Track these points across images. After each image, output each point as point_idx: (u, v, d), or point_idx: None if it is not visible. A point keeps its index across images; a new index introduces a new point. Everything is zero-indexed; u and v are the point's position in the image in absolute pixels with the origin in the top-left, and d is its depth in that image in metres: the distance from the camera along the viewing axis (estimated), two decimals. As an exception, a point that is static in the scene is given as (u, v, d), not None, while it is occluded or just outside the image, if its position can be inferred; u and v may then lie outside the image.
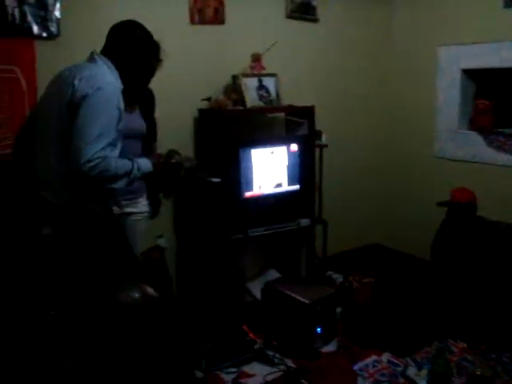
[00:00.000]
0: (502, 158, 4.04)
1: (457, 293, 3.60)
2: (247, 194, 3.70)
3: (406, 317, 3.55)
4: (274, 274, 4.13)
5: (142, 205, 3.09)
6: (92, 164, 2.17)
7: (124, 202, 2.96)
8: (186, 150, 3.76)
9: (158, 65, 2.80)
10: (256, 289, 3.91)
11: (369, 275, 4.41)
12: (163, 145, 3.64)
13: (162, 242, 3.78)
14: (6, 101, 3.17)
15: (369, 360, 3.22)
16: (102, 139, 2.22)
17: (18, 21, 3.12)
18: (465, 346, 3.38)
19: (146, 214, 3.13)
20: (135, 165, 2.39)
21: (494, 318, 3.43)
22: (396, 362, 3.21)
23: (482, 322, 3.43)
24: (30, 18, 3.16)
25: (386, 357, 3.26)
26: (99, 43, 3.35)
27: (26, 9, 3.14)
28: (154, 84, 3.52)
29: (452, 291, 3.62)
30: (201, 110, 3.75)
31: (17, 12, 3.11)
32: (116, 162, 2.27)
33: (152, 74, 2.79)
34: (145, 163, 2.50)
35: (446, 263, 3.80)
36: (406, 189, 4.81)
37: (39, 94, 3.20)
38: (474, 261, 3.65)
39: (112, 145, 2.27)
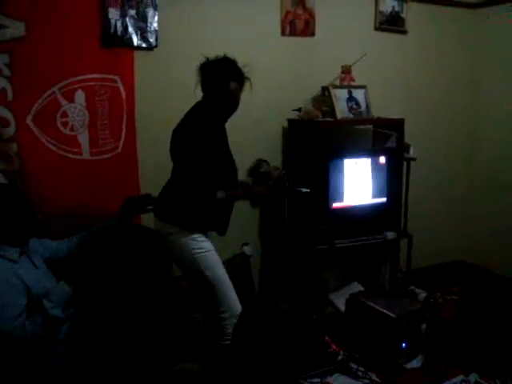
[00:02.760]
0: None
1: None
2: (335, 205, 3.70)
3: (497, 337, 3.44)
4: (356, 287, 4.09)
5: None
6: None
7: None
8: (275, 159, 3.83)
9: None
10: (338, 300, 3.90)
11: (452, 293, 4.32)
12: (252, 154, 3.73)
13: (246, 249, 3.82)
14: (107, 107, 3.31)
15: (456, 379, 3.14)
16: None
17: (119, 32, 3.27)
18: None
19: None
20: None
21: None
22: (484, 383, 3.12)
23: None
24: (130, 29, 3.30)
25: (473, 377, 3.17)
26: (194, 55, 3.51)
27: (128, 21, 3.29)
28: (246, 95, 3.63)
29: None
30: (290, 121, 3.79)
31: (119, 24, 3.26)
32: None
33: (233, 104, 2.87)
34: None
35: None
36: (496, 205, 4.63)
37: (137, 102, 3.36)
38: None
39: None
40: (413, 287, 4.28)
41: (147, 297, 2.57)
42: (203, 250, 2.87)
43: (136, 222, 3.25)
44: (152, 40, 3.38)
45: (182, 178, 2.83)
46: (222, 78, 2.76)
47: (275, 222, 3.86)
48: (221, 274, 2.93)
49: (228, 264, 3.75)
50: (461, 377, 3.17)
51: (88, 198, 3.28)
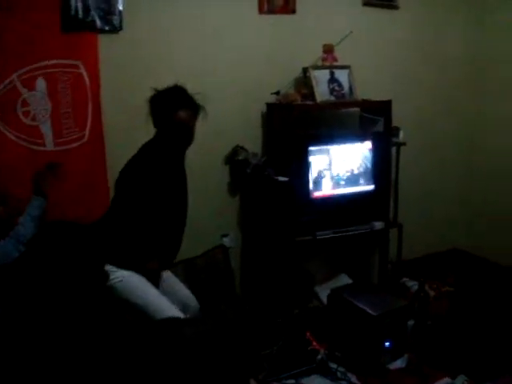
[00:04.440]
0: None
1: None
2: (316, 194, 3.50)
3: (488, 335, 3.22)
4: (344, 279, 3.91)
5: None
6: None
7: None
8: (254, 146, 3.63)
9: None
10: (324, 294, 3.70)
11: (448, 284, 4.10)
12: (230, 140, 3.54)
13: (226, 241, 3.68)
14: (70, 94, 3.14)
15: (441, 382, 2.94)
16: None
17: (81, 15, 3.08)
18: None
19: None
20: None
21: None
22: (473, 386, 2.92)
23: None
24: (93, 11, 3.10)
25: (460, 380, 2.97)
26: (162, 37, 3.30)
27: (89, 2, 3.09)
28: (222, 77, 3.44)
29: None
30: (269, 105, 3.57)
31: (80, 6, 3.07)
32: None
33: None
34: None
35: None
36: (492, 191, 4.39)
37: (103, 88, 3.17)
38: None
39: None
40: (406, 279, 4.08)
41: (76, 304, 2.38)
42: (119, 279, 2.63)
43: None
44: (116, 22, 3.18)
45: (119, 219, 2.64)
46: (170, 107, 2.58)
47: (255, 212, 3.67)
48: (148, 295, 2.67)
49: (206, 256, 3.62)
50: (446, 379, 2.98)
51: (54, 191, 3.13)
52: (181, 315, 2.62)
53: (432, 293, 3.97)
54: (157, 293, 2.70)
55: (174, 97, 2.60)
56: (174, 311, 2.64)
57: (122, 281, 2.61)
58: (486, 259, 4.34)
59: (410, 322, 3.35)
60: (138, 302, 2.63)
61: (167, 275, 2.87)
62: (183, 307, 2.80)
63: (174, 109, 2.57)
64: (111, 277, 2.56)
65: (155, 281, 2.74)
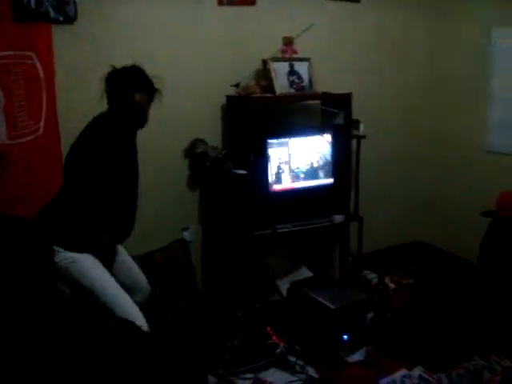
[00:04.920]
0: None
1: (505, 302, 3.27)
2: (275, 187, 3.48)
3: (446, 326, 3.25)
4: (305, 273, 3.91)
5: None
6: None
7: None
8: (214, 138, 3.60)
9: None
10: (285, 287, 3.69)
11: (409, 276, 4.12)
12: (189, 133, 3.50)
13: (186, 235, 3.65)
14: (23, 87, 3.06)
15: (397, 375, 2.95)
16: None
17: (33, 5, 2.99)
18: (510, 364, 3.06)
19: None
20: None
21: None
22: (428, 378, 2.92)
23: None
24: (46, 1, 3.02)
25: (417, 371, 2.99)
26: (118, 28, 3.24)
27: (42, -9, 3.02)
28: (181, 69, 3.39)
29: (500, 300, 3.29)
30: (228, 97, 3.54)
31: (33, -5, 2.99)
32: None
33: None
34: None
35: (494, 268, 3.47)
36: (453, 183, 4.41)
37: (57, 80, 3.10)
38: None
39: None
40: (367, 272, 4.10)
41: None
42: (71, 260, 2.54)
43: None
44: (71, 13, 3.10)
45: (69, 196, 2.55)
46: (127, 89, 2.50)
47: (215, 205, 3.64)
48: (101, 279, 2.59)
49: (166, 250, 3.58)
50: (403, 371, 3.00)
51: (8, 186, 3.06)
52: (131, 305, 2.59)
53: (392, 285, 3.99)
54: (112, 280, 2.62)
55: (130, 77, 2.52)
56: (129, 303, 2.60)
57: (73, 262, 2.53)
58: (445, 251, 4.38)
59: (370, 315, 3.37)
60: (85, 285, 2.55)
61: (122, 251, 2.82)
62: (134, 287, 2.77)
63: (130, 90, 2.49)
64: (61, 257, 2.48)
65: (111, 255, 2.70)
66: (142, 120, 2.58)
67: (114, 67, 2.54)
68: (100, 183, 2.49)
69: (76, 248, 2.54)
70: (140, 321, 2.50)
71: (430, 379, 2.91)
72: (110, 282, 2.60)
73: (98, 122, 2.60)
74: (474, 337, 3.20)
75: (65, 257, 2.51)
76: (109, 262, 2.68)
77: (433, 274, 3.88)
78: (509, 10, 3.81)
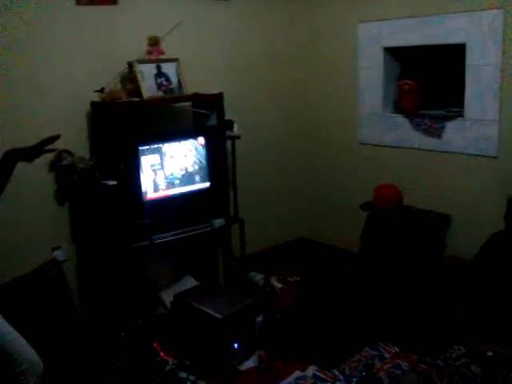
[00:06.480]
0: (428, 142, 3.73)
1: (386, 289, 3.33)
2: (150, 196, 3.30)
3: (333, 320, 3.24)
4: (189, 281, 3.75)
5: None
6: None
7: None
8: (81, 149, 3.35)
9: None
10: (170, 299, 3.52)
11: (295, 273, 4.11)
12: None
13: (58, 255, 3.36)
14: None
15: (291, 377, 2.90)
16: None
17: None
18: (397, 350, 3.12)
19: None
20: None
21: (426, 317, 3.18)
22: (323, 376, 2.91)
23: (413, 322, 3.18)
24: None
25: (311, 371, 2.96)
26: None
27: None
28: (38, 75, 3.11)
29: (381, 287, 3.35)
30: (93, 104, 3.29)
31: None
32: None
33: None
34: None
35: (373, 258, 3.54)
36: (330, 178, 4.46)
37: None
38: (401, 254, 3.39)
39: None
40: (254, 273, 4.03)
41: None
42: None
43: None
44: None
45: None
46: None
47: (87, 221, 3.39)
48: None
49: (37, 273, 3.28)
50: (296, 373, 2.95)
51: None
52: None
53: (279, 284, 3.96)
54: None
55: None
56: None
57: None
58: (328, 245, 4.42)
59: (259, 318, 3.29)
60: None
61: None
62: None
63: None
64: None
65: None
66: None
67: None
68: None
69: None
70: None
71: (325, 377, 2.90)
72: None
73: None
74: (362, 327, 3.24)
75: None
76: None
77: (317, 269, 3.88)
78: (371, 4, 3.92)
